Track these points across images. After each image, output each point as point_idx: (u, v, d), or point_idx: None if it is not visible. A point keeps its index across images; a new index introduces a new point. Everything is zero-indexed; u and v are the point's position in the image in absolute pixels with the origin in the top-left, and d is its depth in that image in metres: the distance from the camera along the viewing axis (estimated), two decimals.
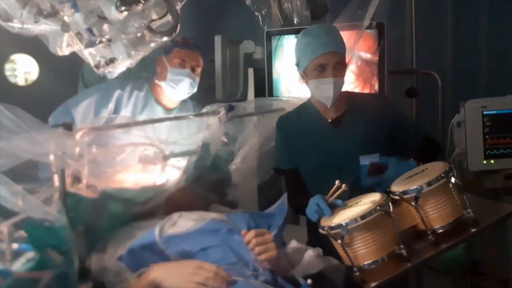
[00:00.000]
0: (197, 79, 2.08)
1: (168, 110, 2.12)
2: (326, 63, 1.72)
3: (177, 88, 2.02)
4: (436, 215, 1.34)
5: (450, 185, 1.36)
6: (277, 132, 1.92)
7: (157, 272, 1.25)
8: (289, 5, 2.52)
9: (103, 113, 1.98)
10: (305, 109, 1.89)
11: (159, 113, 2.09)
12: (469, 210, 1.35)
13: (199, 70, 2.08)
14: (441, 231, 1.35)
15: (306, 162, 1.85)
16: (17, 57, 2.80)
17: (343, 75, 1.77)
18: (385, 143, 1.81)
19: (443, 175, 1.34)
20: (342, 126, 1.83)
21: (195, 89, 2.09)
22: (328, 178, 1.77)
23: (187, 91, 2.05)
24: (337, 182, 1.46)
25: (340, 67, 1.74)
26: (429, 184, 1.33)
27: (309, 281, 1.32)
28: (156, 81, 2.08)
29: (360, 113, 1.83)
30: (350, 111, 1.84)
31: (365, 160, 1.76)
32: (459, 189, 1.38)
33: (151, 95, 2.09)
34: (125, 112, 2.02)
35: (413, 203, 1.34)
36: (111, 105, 2.00)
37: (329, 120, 1.84)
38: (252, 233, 1.32)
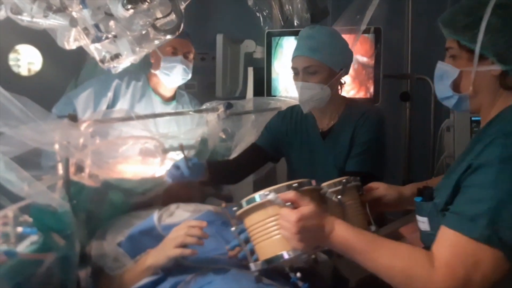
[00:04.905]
0: (190, 65, 2.14)
1: (165, 99, 2.19)
2: (295, 66, 1.70)
3: (171, 75, 2.09)
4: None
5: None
6: (275, 115, 1.94)
7: (151, 258, 1.31)
8: (290, 7, 2.57)
9: (102, 102, 2.07)
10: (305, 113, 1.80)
11: (157, 102, 2.17)
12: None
13: (191, 56, 2.15)
14: None
15: (291, 160, 1.87)
16: (21, 48, 2.83)
17: (317, 81, 1.66)
18: None
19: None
20: (327, 140, 1.79)
21: (190, 75, 2.15)
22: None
23: (181, 77, 2.12)
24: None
25: (313, 72, 1.66)
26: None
27: (298, 274, 1.38)
28: (152, 71, 2.15)
29: (348, 130, 1.75)
30: (340, 125, 1.77)
31: None
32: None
33: (148, 85, 2.17)
34: (124, 101, 2.11)
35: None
36: (110, 94, 2.09)
37: (320, 130, 1.81)
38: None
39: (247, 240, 1.17)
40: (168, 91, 2.19)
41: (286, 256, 1.09)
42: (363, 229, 1.26)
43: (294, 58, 1.72)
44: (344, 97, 1.86)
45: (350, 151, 1.73)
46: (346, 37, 2.23)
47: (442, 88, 1.15)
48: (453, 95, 1.13)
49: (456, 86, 1.12)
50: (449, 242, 0.97)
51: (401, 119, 2.88)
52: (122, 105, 2.12)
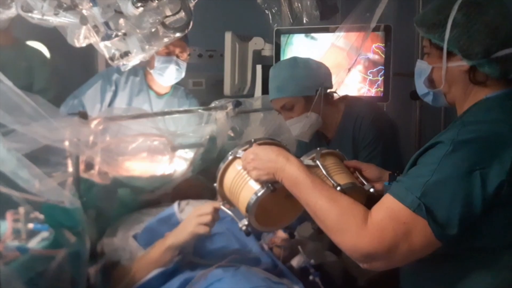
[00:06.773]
0: (184, 64, 2.21)
1: (159, 95, 2.29)
2: (275, 108, 1.77)
3: (164, 74, 2.17)
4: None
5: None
6: None
7: (171, 237, 1.33)
8: (299, 4, 2.57)
9: (107, 96, 2.20)
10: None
11: (152, 97, 2.28)
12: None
13: (184, 55, 2.22)
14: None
15: None
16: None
17: (299, 113, 1.71)
18: None
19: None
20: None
21: (183, 74, 2.23)
22: None
23: (174, 76, 2.20)
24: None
25: (290, 108, 1.71)
26: None
27: (312, 261, 1.40)
28: (148, 69, 2.24)
29: (347, 138, 1.76)
30: (339, 135, 1.79)
31: None
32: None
33: (145, 81, 2.28)
34: (123, 94, 2.23)
35: None
36: (112, 88, 2.22)
37: (326, 141, 1.84)
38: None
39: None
40: (162, 88, 2.29)
41: (254, 197, 1.18)
42: (352, 182, 1.31)
43: (271, 102, 1.79)
44: (341, 104, 1.83)
45: (357, 158, 1.72)
46: (355, 35, 2.23)
47: (420, 85, 1.20)
48: (428, 91, 1.18)
49: (430, 82, 1.16)
50: (386, 205, 1.01)
51: (411, 118, 2.87)
52: (121, 99, 2.24)
